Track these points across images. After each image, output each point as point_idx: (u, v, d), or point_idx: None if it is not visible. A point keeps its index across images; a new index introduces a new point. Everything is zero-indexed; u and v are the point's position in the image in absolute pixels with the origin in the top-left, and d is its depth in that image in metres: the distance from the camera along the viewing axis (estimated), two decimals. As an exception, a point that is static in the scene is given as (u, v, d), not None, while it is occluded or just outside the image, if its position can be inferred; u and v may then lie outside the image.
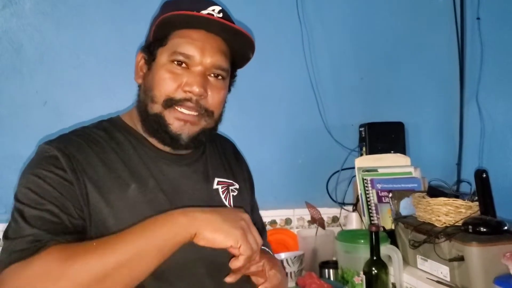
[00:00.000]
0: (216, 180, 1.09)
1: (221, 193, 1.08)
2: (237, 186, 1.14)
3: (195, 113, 0.98)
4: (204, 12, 0.97)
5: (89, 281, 0.76)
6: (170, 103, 0.96)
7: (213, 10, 0.98)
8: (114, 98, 1.63)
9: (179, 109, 0.97)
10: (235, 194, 1.12)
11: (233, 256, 0.89)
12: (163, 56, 0.98)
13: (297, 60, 1.89)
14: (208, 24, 0.98)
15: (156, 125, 0.98)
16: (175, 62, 0.97)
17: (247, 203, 1.18)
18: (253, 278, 1.03)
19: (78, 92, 1.64)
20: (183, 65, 0.98)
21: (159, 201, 0.97)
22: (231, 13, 1.08)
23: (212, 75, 1.00)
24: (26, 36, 1.60)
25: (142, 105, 1.01)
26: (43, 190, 0.87)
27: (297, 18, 1.88)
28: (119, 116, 1.08)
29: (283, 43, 1.88)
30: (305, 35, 1.89)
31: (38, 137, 1.46)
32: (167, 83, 0.96)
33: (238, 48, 1.03)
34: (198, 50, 0.97)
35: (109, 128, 1.02)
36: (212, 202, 1.05)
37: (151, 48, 1.00)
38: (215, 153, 1.15)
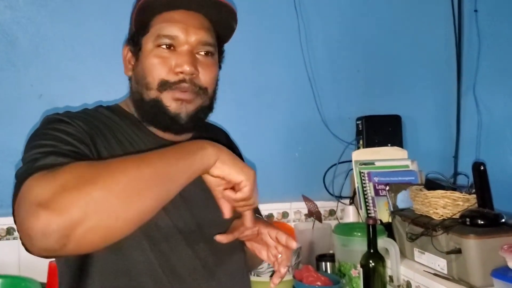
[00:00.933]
0: None
1: None
2: None
3: (191, 93, 0.98)
4: None
5: (125, 185, 0.70)
6: (166, 86, 0.97)
7: None
8: (110, 90, 1.61)
9: (175, 91, 0.97)
10: None
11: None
12: (148, 43, 0.98)
13: (294, 53, 1.88)
14: (187, 3, 0.98)
15: (154, 109, 0.98)
16: (162, 46, 0.97)
17: None
18: (249, 245, 1.04)
19: (74, 85, 1.63)
20: (170, 47, 0.98)
21: None
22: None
23: (201, 52, 1.00)
24: (21, 29, 1.58)
25: (136, 94, 1.01)
26: (55, 136, 0.85)
27: (294, 10, 1.87)
28: (117, 104, 1.08)
29: (280, 36, 1.87)
30: (302, 27, 1.88)
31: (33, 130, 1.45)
32: (158, 68, 0.96)
33: (220, 20, 1.03)
34: (181, 29, 0.97)
35: (108, 112, 1.03)
36: (209, 190, 1.05)
37: (135, 39, 1.01)
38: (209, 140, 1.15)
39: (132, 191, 0.71)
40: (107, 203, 0.68)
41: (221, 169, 0.84)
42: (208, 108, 1.04)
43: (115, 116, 1.02)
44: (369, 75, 1.97)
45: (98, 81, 1.65)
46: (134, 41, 1.01)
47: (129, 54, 1.03)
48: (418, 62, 2.03)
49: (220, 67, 1.09)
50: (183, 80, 0.97)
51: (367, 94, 1.97)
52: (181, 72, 0.96)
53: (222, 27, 1.05)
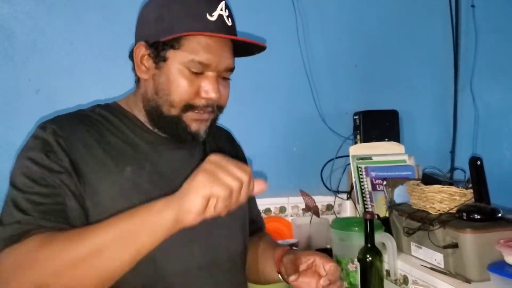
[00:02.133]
0: None
1: None
2: None
3: (210, 114, 1.00)
4: (215, 14, 0.95)
5: (59, 267, 0.77)
6: (189, 108, 0.97)
7: (221, 10, 0.97)
8: (108, 85, 1.61)
9: (196, 113, 0.98)
10: None
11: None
12: (176, 60, 0.95)
13: (292, 47, 1.88)
14: (225, 31, 0.96)
15: (173, 125, 0.99)
16: (192, 70, 0.96)
17: None
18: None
19: (72, 80, 1.62)
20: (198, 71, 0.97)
21: (155, 184, 0.97)
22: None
23: (224, 76, 1.01)
24: (18, 23, 1.58)
25: (153, 103, 0.99)
26: (34, 173, 0.89)
27: (291, 5, 1.87)
28: (115, 101, 1.08)
29: (278, 31, 1.87)
30: (299, 22, 1.88)
31: (31, 125, 1.44)
32: (185, 90, 0.96)
33: (247, 48, 1.04)
34: (215, 58, 0.96)
35: (105, 112, 1.03)
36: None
37: (160, 47, 0.96)
38: (211, 141, 1.15)
39: (71, 274, 0.78)
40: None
41: (184, 215, 0.79)
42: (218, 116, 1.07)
43: (112, 116, 1.02)
44: (366, 70, 1.98)
45: (96, 76, 1.64)
46: (158, 49, 0.96)
47: (146, 57, 0.99)
48: (415, 57, 2.03)
49: None
50: (207, 105, 0.98)
51: (364, 89, 1.97)
52: (208, 99, 0.97)
53: (243, 51, 1.05)
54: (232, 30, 0.99)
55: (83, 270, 0.78)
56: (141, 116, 1.04)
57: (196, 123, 0.99)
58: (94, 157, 0.93)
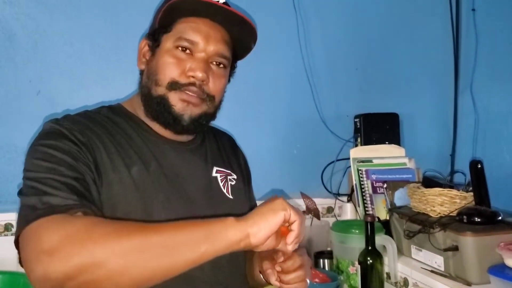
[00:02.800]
0: (215, 168, 1.11)
1: (219, 181, 1.10)
2: (234, 176, 1.15)
3: (198, 97, 1.01)
4: None
5: (127, 248, 0.73)
6: (175, 86, 0.99)
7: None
8: (109, 87, 1.62)
9: (183, 93, 0.99)
10: (233, 183, 1.13)
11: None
12: (167, 42, 1.01)
13: (293, 50, 1.88)
14: (214, 13, 1.00)
15: (159, 106, 1.00)
16: (180, 48, 1.00)
17: (244, 194, 1.18)
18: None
19: (72, 81, 1.62)
20: (187, 51, 1.00)
21: (160, 184, 0.98)
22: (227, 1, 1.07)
23: (214, 62, 1.03)
24: (19, 24, 1.58)
25: (145, 89, 1.03)
26: (56, 158, 0.87)
27: (292, 8, 1.87)
28: (119, 103, 1.10)
29: (279, 33, 1.87)
30: (300, 25, 1.88)
31: (31, 126, 1.45)
32: (171, 67, 0.99)
33: (241, 38, 1.06)
34: (202, 37, 1.00)
35: (110, 113, 1.04)
36: (211, 189, 1.07)
37: (155, 35, 1.03)
38: (213, 144, 1.17)
39: (133, 259, 0.73)
40: (105, 265, 0.72)
41: (258, 233, 0.79)
42: (212, 115, 1.07)
43: (118, 118, 1.03)
44: (367, 73, 1.98)
45: (97, 77, 1.65)
46: (154, 37, 1.03)
47: (146, 48, 1.05)
48: (416, 61, 2.04)
49: (229, 81, 1.12)
50: (192, 84, 0.99)
51: (365, 92, 1.97)
52: (193, 77, 0.99)
53: (240, 45, 1.08)
54: (226, 13, 1.00)
55: (148, 258, 0.74)
56: (143, 117, 1.05)
57: (181, 103, 0.99)
58: (109, 155, 0.94)
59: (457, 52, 2.03)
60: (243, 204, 1.16)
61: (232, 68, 1.12)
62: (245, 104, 1.83)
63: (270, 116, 1.87)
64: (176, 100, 0.99)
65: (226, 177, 1.12)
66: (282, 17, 1.87)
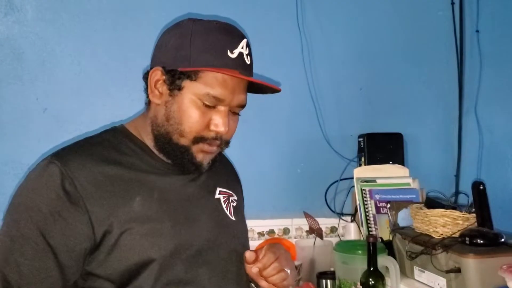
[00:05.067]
0: (218, 189, 1.11)
1: (222, 203, 1.10)
2: (235, 197, 1.15)
3: (217, 147, 1.01)
4: (236, 51, 0.97)
5: None
6: (199, 140, 0.98)
7: (242, 48, 0.98)
8: (115, 106, 1.64)
9: (205, 145, 0.99)
10: (234, 205, 1.13)
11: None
12: (191, 91, 0.96)
13: (297, 69, 1.90)
14: (243, 70, 0.98)
15: (180, 154, 0.99)
16: (205, 103, 0.96)
17: (243, 216, 1.19)
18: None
19: (79, 99, 1.65)
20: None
21: (164, 211, 0.97)
22: (231, 21, 1.08)
23: (234, 111, 1.02)
24: (28, 43, 1.61)
25: (162, 130, 0.99)
26: (27, 235, 0.88)
27: (297, 28, 1.89)
28: (123, 125, 1.07)
29: (283, 53, 1.89)
30: (304, 45, 1.90)
31: (38, 144, 1.47)
32: (196, 121, 0.96)
33: (262, 90, 1.07)
34: (229, 94, 0.97)
35: (112, 138, 1.02)
36: (215, 212, 1.07)
37: (176, 76, 0.96)
38: (215, 164, 1.15)
39: None
40: None
41: None
42: None
43: (119, 143, 1.01)
44: (371, 93, 1.99)
45: (103, 96, 1.67)
46: (174, 77, 0.96)
47: (161, 82, 0.99)
48: (420, 81, 2.04)
49: None
50: (216, 138, 0.99)
51: (369, 112, 1.98)
52: (217, 132, 0.98)
53: (257, 89, 1.06)
54: (249, 68, 1.01)
55: None
56: (148, 141, 1.03)
57: (202, 154, 1.00)
58: (102, 192, 0.92)
59: (461, 73, 2.03)
60: (244, 225, 1.17)
61: None
62: (249, 123, 1.82)
63: (274, 135, 1.88)
64: (198, 152, 0.99)
65: (228, 198, 1.12)
66: (286, 37, 1.89)
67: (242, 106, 1.02)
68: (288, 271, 1.03)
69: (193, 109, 0.96)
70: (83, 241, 0.90)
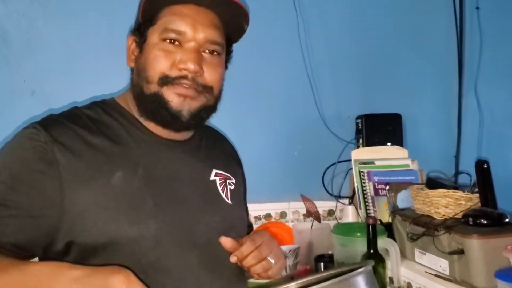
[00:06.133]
0: (214, 171, 1.05)
1: (218, 185, 1.04)
2: (234, 181, 1.10)
3: (194, 90, 0.95)
4: None
5: None
6: (166, 80, 0.93)
7: None
8: (106, 86, 1.56)
9: (177, 86, 0.94)
10: (232, 188, 1.07)
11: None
12: (154, 36, 0.95)
13: (293, 49, 1.85)
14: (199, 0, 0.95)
15: (154, 104, 0.94)
16: (167, 40, 0.94)
17: (242, 201, 1.14)
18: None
19: (68, 80, 1.59)
20: (176, 42, 0.95)
21: (148, 189, 0.92)
22: None
23: (207, 51, 0.97)
24: (13, 23, 1.55)
25: (136, 88, 0.97)
26: (9, 187, 0.85)
27: (293, 8, 1.84)
28: (113, 98, 1.03)
29: (278, 31, 1.84)
30: (301, 24, 1.85)
31: (26, 127, 1.42)
32: (160, 62, 0.93)
33: (231, 19, 1.00)
34: (189, 25, 0.94)
35: (101, 110, 0.98)
36: (209, 193, 1.01)
37: (141, 30, 0.98)
38: (213, 145, 1.11)
39: None
40: None
41: None
42: (212, 108, 1.01)
43: (106, 115, 0.97)
44: (369, 73, 1.94)
45: (93, 77, 1.61)
46: (140, 32, 0.98)
47: (134, 45, 1.00)
48: (419, 60, 2.00)
49: (226, 67, 1.06)
50: (184, 77, 0.93)
51: (367, 92, 1.94)
52: (184, 69, 0.93)
53: (232, 27, 1.02)
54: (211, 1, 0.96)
55: None
56: (136, 113, 0.99)
57: (177, 98, 0.93)
58: (80, 163, 0.88)
59: (461, 52, 1.99)
60: (242, 210, 1.12)
61: (228, 53, 1.06)
62: (244, 105, 1.79)
63: (269, 117, 1.84)
64: (171, 96, 0.93)
65: (225, 181, 1.06)
66: (282, 15, 1.84)
67: (214, 42, 0.97)
68: (272, 261, 0.96)
69: (156, 51, 0.94)
70: (49, 207, 0.86)
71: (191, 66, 0.92)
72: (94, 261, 0.86)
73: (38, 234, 0.86)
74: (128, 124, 0.98)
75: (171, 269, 0.91)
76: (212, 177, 1.04)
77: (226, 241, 0.92)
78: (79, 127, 0.93)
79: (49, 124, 0.91)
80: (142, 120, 0.99)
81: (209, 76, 0.96)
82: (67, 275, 0.76)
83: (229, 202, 1.04)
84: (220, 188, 1.04)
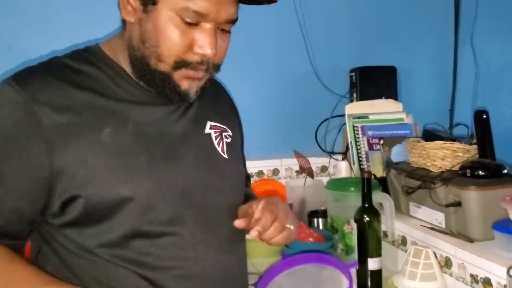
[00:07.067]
0: (209, 123, 0.98)
1: (214, 138, 0.98)
2: (230, 133, 1.03)
3: (205, 72, 0.87)
4: None
5: None
6: (181, 64, 0.85)
7: None
8: (84, 39, 1.50)
9: (189, 70, 0.86)
10: (228, 141, 1.01)
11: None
12: (168, 5, 0.82)
13: (286, 1, 1.76)
14: None
15: (162, 82, 0.86)
16: (185, 20, 0.82)
17: (239, 152, 1.09)
18: None
19: (46, 33, 1.51)
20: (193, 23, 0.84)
21: (140, 145, 0.87)
22: None
23: (223, 28, 0.87)
24: (-15, -28, 1.46)
25: (139, 55, 0.86)
26: None
27: (284, -45, 1.75)
28: (97, 44, 0.93)
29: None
30: (292, -28, 1.77)
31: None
32: (176, 43, 0.83)
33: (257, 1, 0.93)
34: (214, 6, 0.82)
35: (84, 60, 0.90)
36: (204, 149, 0.95)
37: None
38: (207, 94, 1.00)
39: None
40: None
41: None
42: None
43: (90, 66, 0.89)
44: (363, 24, 1.88)
45: (71, 30, 1.53)
46: None
47: None
48: (414, 11, 1.93)
49: None
50: (201, 62, 0.85)
51: (361, 44, 1.88)
52: (202, 55, 0.84)
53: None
54: None
55: None
56: (126, 65, 0.90)
57: (187, 81, 0.86)
58: (65, 120, 0.82)
59: (457, 3, 1.92)
60: (239, 164, 1.06)
61: None
62: (235, 59, 1.69)
63: (261, 71, 1.78)
64: (181, 79, 0.86)
65: (221, 134, 1.00)
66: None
67: (232, 21, 0.87)
68: (291, 227, 0.92)
69: (171, 28, 0.82)
70: (38, 171, 0.81)
71: (209, 51, 0.83)
72: (88, 223, 0.83)
73: (30, 205, 0.84)
74: (116, 77, 0.90)
75: (168, 227, 0.87)
76: (207, 130, 0.98)
77: (241, 223, 0.88)
78: (60, 80, 0.85)
79: (27, 80, 0.83)
80: (133, 75, 0.90)
81: (221, 55, 0.88)
82: None
83: (226, 156, 0.98)
84: (215, 142, 0.98)
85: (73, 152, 0.82)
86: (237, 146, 1.05)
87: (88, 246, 0.84)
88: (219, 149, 0.97)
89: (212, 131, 0.97)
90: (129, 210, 0.84)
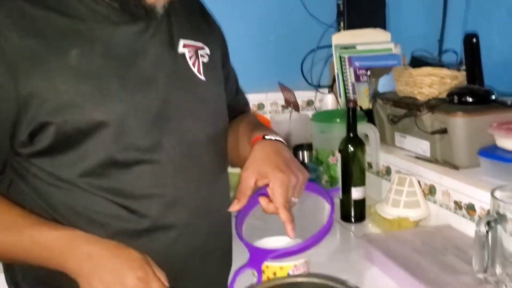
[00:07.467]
0: (182, 42, 0.91)
1: (188, 59, 0.91)
2: (207, 51, 0.96)
3: None
4: None
5: None
6: None
7: None
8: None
9: None
10: (205, 60, 0.94)
11: None
12: None
13: None
14: None
15: None
16: None
17: (219, 72, 1.02)
18: None
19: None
20: None
21: (109, 68, 0.81)
22: None
23: None
24: None
25: None
26: None
27: None
28: None
29: None
30: None
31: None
32: None
33: None
34: None
35: None
36: (178, 69, 0.89)
37: None
38: (178, 9, 0.94)
39: None
40: None
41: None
42: None
43: None
44: None
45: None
46: None
47: None
48: None
49: None
50: None
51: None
52: None
53: None
54: None
55: None
56: None
57: None
58: (30, 45, 0.77)
59: None
60: (218, 87, 0.99)
61: None
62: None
63: (242, -1, 1.69)
64: None
65: (196, 53, 0.93)
66: None
67: None
68: (300, 176, 0.87)
69: None
70: (3, 101, 0.76)
71: None
72: (60, 151, 0.80)
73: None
74: None
75: (146, 153, 0.84)
76: (181, 50, 0.91)
77: (237, 206, 0.85)
78: (21, 2, 0.78)
79: None
80: None
81: None
82: (82, 250, 0.75)
83: (202, 78, 0.92)
84: (190, 63, 0.92)
85: (41, 77, 0.77)
86: (216, 65, 0.98)
87: (62, 175, 0.81)
88: (195, 70, 0.91)
89: (186, 50, 0.91)
90: (103, 136, 0.80)
